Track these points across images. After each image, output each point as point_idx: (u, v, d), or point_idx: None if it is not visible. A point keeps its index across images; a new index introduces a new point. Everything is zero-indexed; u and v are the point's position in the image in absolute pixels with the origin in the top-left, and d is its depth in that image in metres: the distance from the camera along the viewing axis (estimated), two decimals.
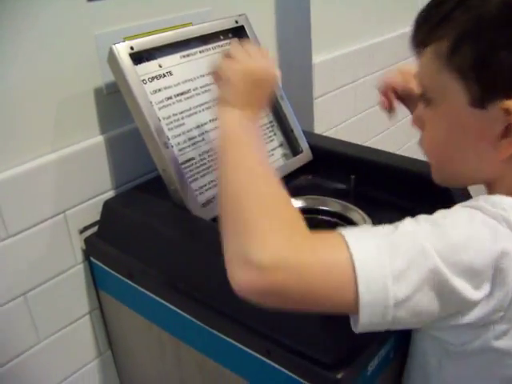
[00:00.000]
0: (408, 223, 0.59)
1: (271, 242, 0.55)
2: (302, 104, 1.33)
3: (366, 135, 1.64)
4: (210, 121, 0.92)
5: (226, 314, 0.73)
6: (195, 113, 0.90)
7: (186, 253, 0.79)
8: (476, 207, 0.60)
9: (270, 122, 1.03)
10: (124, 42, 0.83)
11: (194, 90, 0.91)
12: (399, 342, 0.75)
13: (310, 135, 1.11)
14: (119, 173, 0.95)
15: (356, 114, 1.57)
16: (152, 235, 0.83)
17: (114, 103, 0.93)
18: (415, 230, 0.57)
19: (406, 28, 1.69)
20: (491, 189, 0.70)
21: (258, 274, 0.54)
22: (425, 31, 0.66)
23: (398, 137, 1.77)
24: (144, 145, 0.96)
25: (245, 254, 0.56)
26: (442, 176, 0.74)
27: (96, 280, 0.96)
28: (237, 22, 1.00)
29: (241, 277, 0.57)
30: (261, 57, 0.75)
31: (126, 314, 0.92)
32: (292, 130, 1.05)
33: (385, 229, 0.58)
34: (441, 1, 0.65)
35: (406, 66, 0.91)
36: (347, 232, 0.57)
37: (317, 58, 1.34)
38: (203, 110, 0.92)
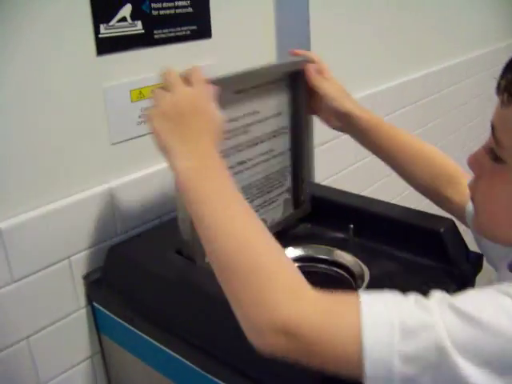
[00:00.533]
0: (432, 305, 0.54)
1: (278, 309, 0.55)
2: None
3: (365, 184, 1.67)
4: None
5: (228, 363, 0.74)
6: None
7: (187, 300, 0.80)
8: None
9: (286, 167, 1.04)
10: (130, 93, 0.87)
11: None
12: None
13: (309, 184, 1.13)
14: (124, 220, 0.98)
15: (356, 162, 1.60)
16: (151, 280, 0.85)
17: (119, 153, 0.96)
18: (436, 320, 0.52)
19: (406, 77, 1.73)
20: None
21: (273, 339, 0.55)
22: None
23: (396, 185, 1.79)
24: (148, 193, 1.00)
25: (253, 321, 0.56)
26: (485, 229, 0.70)
27: (98, 324, 0.97)
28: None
29: (255, 340, 0.57)
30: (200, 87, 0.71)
31: (127, 359, 0.93)
32: (303, 181, 1.06)
33: (406, 303, 0.55)
34: None
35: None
36: (363, 300, 0.55)
37: None
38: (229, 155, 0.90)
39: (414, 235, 0.95)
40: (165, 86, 0.71)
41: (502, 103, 0.61)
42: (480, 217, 0.70)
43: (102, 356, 1.01)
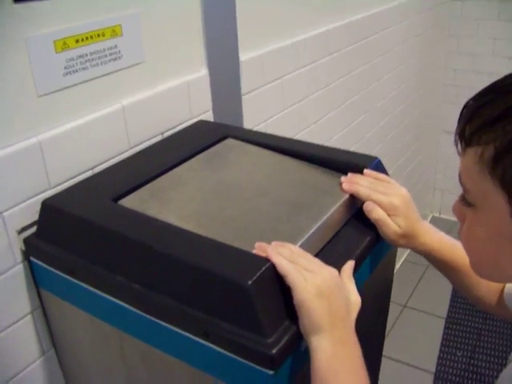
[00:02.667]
0: None
1: None
2: (231, 100, 1.38)
3: (295, 129, 1.70)
4: None
5: (164, 301, 0.77)
6: None
7: (124, 245, 0.82)
8: None
9: None
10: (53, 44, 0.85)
11: None
12: None
13: (240, 130, 1.15)
14: (56, 173, 0.97)
15: (284, 108, 1.62)
16: (90, 230, 0.85)
17: (47, 105, 0.94)
18: None
19: (331, 25, 1.78)
20: None
21: None
22: (470, 131, 0.63)
23: (325, 130, 1.84)
24: (79, 145, 0.99)
25: None
26: (479, 269, 0.74)
27: (37, 279, 0.97)
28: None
29: None
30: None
31: (68, 311, 0.94)
32: None
33: None
34: (489, 100, 0.62)
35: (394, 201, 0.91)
36: None
37: (244, 56, 1.39)
38: None
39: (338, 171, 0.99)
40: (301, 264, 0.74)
41: (461, 152, 0.65)
42: (471, 260, 0.74)
43: (43, 311, 1.01)
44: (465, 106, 0.65)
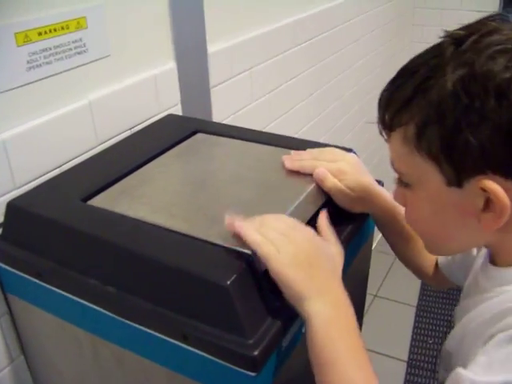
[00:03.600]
0: None
1: None
2: (199, 93, 1.34)
3: (264, 121, 1.68)
4: None
5: (139, 304, 0.74)
6: None
7: (95, 246, 0.78)
8: None
9: None
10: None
11: None
12: None
13: (209, 124, 1.13)
14: (21, 172, 0.92)
15: (253, 101, 1.60)
16: (59, 232, 0.82)
17: (9, 102, 0.90)
18: None
19: (299, 15, 1.77)
20: (493, 252, 0.73)
21: None
22: (389, 116, 0.67)
23: (294, 121, 1.83)
24: (45, 142, 0.95)
25: None
26: (434, 248, 0.77)
27: (3, 284, 0.92)
28: None
29: None
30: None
31: (37, 316, 0.90)
32: None
33: None
34: (399, 84, 0.67)
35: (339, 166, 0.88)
36: None
37: (212, 48, 1.36)
38: None
39: None
40: (278, 230, 0.71)
41: (387, 139, 0.71)
42: (424, 241, 0.77)
43: (11, 317, 0.97)
44: (381, 96, 0.70)
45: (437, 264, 0.99)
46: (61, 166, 1.00)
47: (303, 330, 0.79)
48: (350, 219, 0.90)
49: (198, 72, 1.32)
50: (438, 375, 0.90)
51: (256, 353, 0.66)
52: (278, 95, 1.71)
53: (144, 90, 1.16)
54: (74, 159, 1.02)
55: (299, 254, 0.70)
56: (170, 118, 1.17)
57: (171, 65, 1.23)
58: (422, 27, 3.05)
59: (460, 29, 0.66)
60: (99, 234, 0.79)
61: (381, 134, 0.71)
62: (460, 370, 0.62)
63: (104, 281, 0.77)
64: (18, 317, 0.96)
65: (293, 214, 0.80)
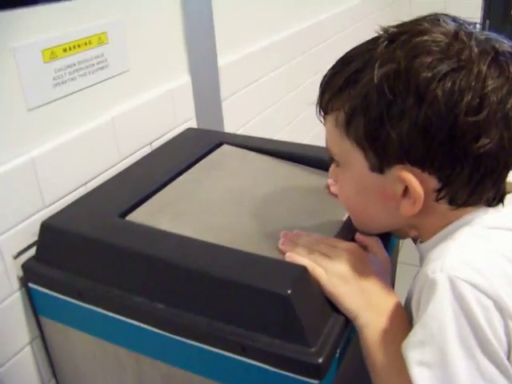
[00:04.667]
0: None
1: None
2: (211, 106, 1.34)
3: (273, 130, 1.69)
4: None
5: (192, 319, 0.72)
6: None
7: (141, 262, 0.77)
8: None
9: None
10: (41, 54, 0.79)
11: None
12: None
13: (232, 136, 1.12)
14: (50, 190, 0.90)
15: (262, 111, 1.60)
16: (99, 249, 0.80)
17: (38, 119, 0.88)
18: None
19: (297, 26, 1.76)
20: (418, 232, 0.77)
21: None
22: (325, 100, 0.71)
23: (301, 128, 1.83)
24: (71, 159, 0.93)
25: None
26: (360, 224, 0.81)
27: (36, 306, 0.90)
28: None
29: None
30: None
31: (74, 338, 0.88)
32: None
33: None
34: (336, 72, 0.70)
35: None
36: None
37: (221, 61, 1.36)
38: None
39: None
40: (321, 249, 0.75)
41: (323, 121, 0.74)
42: (351, 216, 0.82)
43: (42, 339, 0.94)
44: (321, 80, 0.73)
45: None
46: (86, 183, 0.98)
47: (352, 335, 0.78)
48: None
49: (210, 85, 1.31)
50: None
51: (320, 360, 0.65)
52: (284, 105, 1.71)
53: (162, 104, 1.15)
54: (98, 176, 1.00)
55: (346, 273, 0.72)
56: (191, 132, 1.17)
57: (186, 79, 1.22)
58: None
59: (396, 26, 0.69)
60: (144, 249, 0.77)
61: (318, 114, 0.74)
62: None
63: (151, 298, 0.75)
64: (50, 340, 0.93)
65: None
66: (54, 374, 0.98)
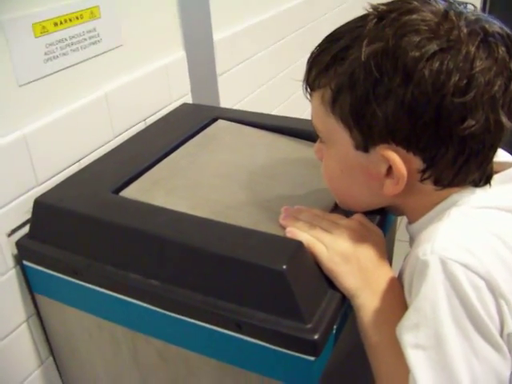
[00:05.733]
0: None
1: None
2: (207, 81, 1.33)
3: (271, 106, 1.67)
4: None
5: (187, 295, 0.72)
6: None
7: (136, 238, 0.76)
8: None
9: None
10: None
11: None
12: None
13: (228, 111, 1.11)
14: (43, 168, 0.89)
15: (258, 87, 1.58)
16: (94, 226, 0.79)
17: (29, 95, 0.86)
18: None
19: (295, 1, 1.71)
20: (404, 212, 0.77)
21: None
22: (312, 76, 0.71)
23: (299, 104, 1.81)
24: (64, 136, 0.92)
25: None
26: (343, 203, 0.80)
27: (31, 284, 0.89)
28: None
29: None
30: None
31: (70, 316, 0.87)
32: None
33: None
34: (324, 48, 0.70)
35: None
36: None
37: (217, 35, 1.34)
38: None
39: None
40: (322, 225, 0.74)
41: (310, 96, 0.74)
42: (334, 195, 0.80)
43: (39, 317, 0.94)
44: (309, 56, 0.72)
45: None
46: (79, 160, 0.97)
47: (348, 311, 0.78)
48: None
49: (206, 60, 1.30)
50: None
51: (316, 336, 0.65)
52: (280, 80, 1.69)
53: (156, 79, 1.13)
54: (92, 153, 0.99)
55: (347, 251, 0.72)
56: (186, 107, 1.15)
57: (181, 54, 1.20)
58: None
59: (385, 4, 0.67)
60: (138, 225, 0.76)
61: (304, 91, 0.74)
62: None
63: (146, 274, 0.75)
64: (47, 317, 0.93)
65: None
66: (52, 352, 0.98)
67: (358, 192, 0.75)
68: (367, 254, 0.73)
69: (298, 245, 0.70)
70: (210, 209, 0.80)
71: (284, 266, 0.65)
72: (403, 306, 0.69)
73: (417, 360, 0.61)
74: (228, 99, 1.41)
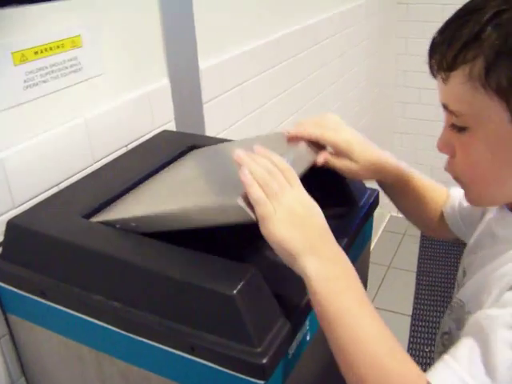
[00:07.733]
0: None
1: None
2: (192, 109, 1.36)
3: (257, 134, 1.67)
4: None
5: (146, 318, 0.74)
6: None
7: (99, 262, 0.78)
8: None
9: None
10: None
11: None
12: (314, 325, 0.79)
13: (205, 139, 1.13)
14: (19, 191, 0.92)
15: (245, 115, 1.61)
16: (61, 249, 0.82)
17: (7, 120, 0.90)
18: None
19: (284, 30, 1.77)
20: None
21: None
22: (452, 55, 0.66)
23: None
24: (43, 161, 0.95)
25: None
26: (479, 197, 0.76)
27: (3, 304, 0.92)
28: None
29: None
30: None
31: (40, 335, 0.89)
32: None
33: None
34: (463, 22, 0.65)
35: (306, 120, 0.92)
36: None
37: (203, 64, 1.37)
38: None
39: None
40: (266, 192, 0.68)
41: (443, 80, 0.68)
42: (471, 189, 0.75)
43: (11, 337, 0.96)
44: (435, 39, 0.68)
45: (442, 214, 1.00)
46: (58, 184, 1.00)
47: (308, 338, 0.79)
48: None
49: (191, 88, 1.33)
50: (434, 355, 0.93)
51: (264, 361, 0.66)
52: (268, 109, 1.72)
53: (138, 107, 1.17)
54: (71, 177, 1.02)
55: (293, 215, 0.68)
56: (165, 134, 1.18)
57: (164, 82, 1.24)
58: (405, 39, 3.10)
59: None
60: (101, 249, 0.79)
61: (434, 77, 0.69)
62: (485, 311, 0.64)
63: (108, 296, 0.77)
64: (18, 337, 0.95)
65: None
66: (24, 372, 1.00)
67: (506, 176, 0.69)
68: (315, 221, 0.69)
69: (252, 271, 0.71)
70: (161, 201, 0.85)
71: (234, 292, 0.67)
72: (356, 274, 0.68)
73: (507, 358, 0.58)
74: (214, 127, 1.44)
